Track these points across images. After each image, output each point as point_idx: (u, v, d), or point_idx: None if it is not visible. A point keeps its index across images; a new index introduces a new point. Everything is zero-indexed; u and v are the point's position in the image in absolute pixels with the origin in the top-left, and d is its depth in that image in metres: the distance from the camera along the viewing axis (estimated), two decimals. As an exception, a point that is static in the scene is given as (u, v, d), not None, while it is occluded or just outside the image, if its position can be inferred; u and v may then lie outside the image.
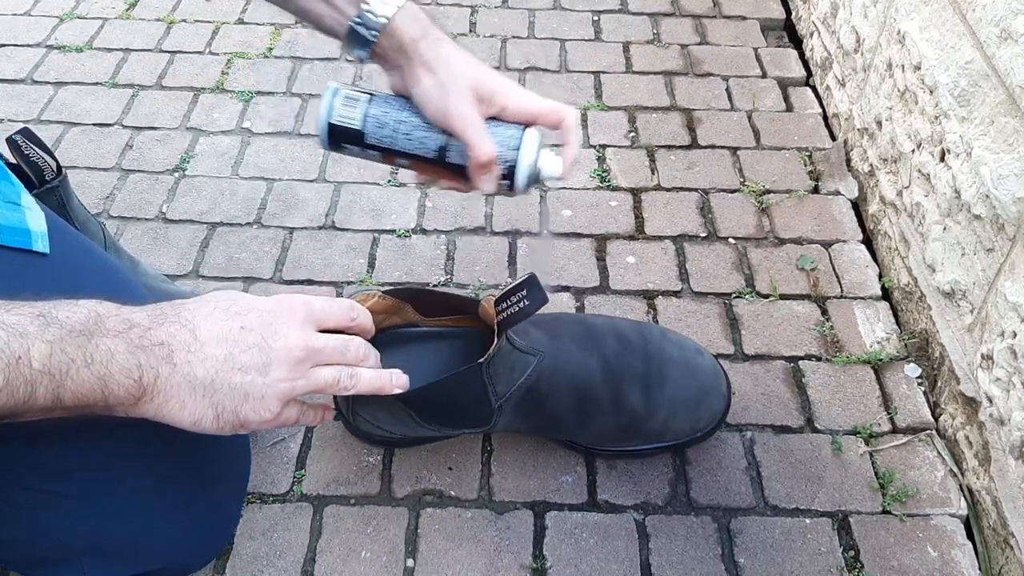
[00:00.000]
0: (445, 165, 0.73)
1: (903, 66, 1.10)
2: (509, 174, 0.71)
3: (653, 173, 1.29)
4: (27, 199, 0.73)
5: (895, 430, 0.98)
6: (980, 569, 0.87)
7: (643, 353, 0.90)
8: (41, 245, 0.71)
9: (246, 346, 0.58)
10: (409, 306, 0.88)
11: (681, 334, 0.95)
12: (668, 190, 1.27)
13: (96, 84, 1.41)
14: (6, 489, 0.66)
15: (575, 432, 0.90)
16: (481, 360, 0.78)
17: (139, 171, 1.27)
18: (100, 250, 0.82)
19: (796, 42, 1.57)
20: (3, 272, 0.66)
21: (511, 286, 0.75)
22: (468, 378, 0.79)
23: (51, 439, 0.64)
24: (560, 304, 1.10)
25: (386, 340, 0.84)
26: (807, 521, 0.89)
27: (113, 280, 0.76)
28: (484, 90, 0.72)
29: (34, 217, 0.72)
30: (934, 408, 1.00)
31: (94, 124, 1.34)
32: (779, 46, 1.56)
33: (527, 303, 0.74)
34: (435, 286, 1.11)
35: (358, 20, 0.73)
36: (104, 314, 0.55)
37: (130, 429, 0.62)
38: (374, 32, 0.73)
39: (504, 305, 0.76)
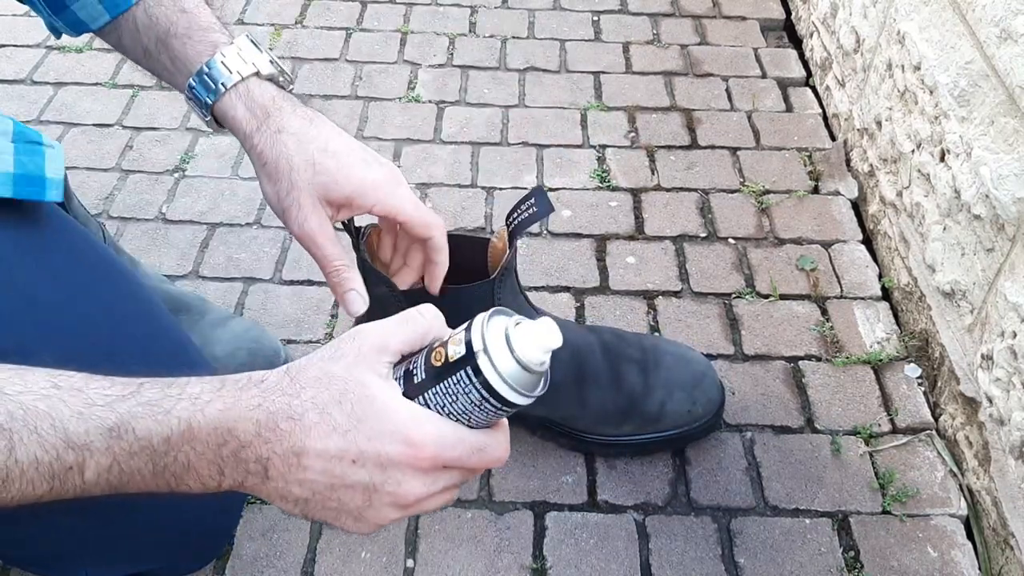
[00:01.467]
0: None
1: (903, 66, 1.10)
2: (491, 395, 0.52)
3: (653, 173, 1.29)
4: (50, 139, 0.69)
5: (895, 430, 0.98)
6: (980, 569, 0.87)
7: (638, 344, 0.93)
8: (54, 194, 0.66)
9: (352, 484, 0.50)
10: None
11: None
12: (668, 190, 1.27)
13: (96, 84, 1.41)
14: None
15: (575, 408, 0.90)
16: (493, 276, 0.79)
17: (139, 171, 1.27)
18: (95, 239, 0.79)
19: (796, 42, 1.57)
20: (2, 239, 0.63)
21: (519, 199, 0.76)
22: (480, 294, 0.79)
23: None
24: (560, 304, 1.10)
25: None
26: (807, 521, 0.89)
27: (106, 268, 0.73)
28: (336, 195, 0.65)
29: (53, 158, 0.67)
30: (934, 408, 1.00)
31: (94, 124, 1.34)
32: (779, 46, 1.56)
33: (535, 210, 0.75)
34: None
35: (189, 96, 0.69)
36: (198, 426, 0.47)
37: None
38: (205, 114, 0.69)
39: (514, 216, 0.77)
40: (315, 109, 0.71)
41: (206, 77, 0.68)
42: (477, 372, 0.50)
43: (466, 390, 0.51)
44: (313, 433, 0.48)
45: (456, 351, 0.51)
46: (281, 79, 0.70)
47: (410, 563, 0.85)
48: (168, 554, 0.78)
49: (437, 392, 0.52)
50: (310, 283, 1.12)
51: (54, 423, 0.44)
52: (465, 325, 0.53)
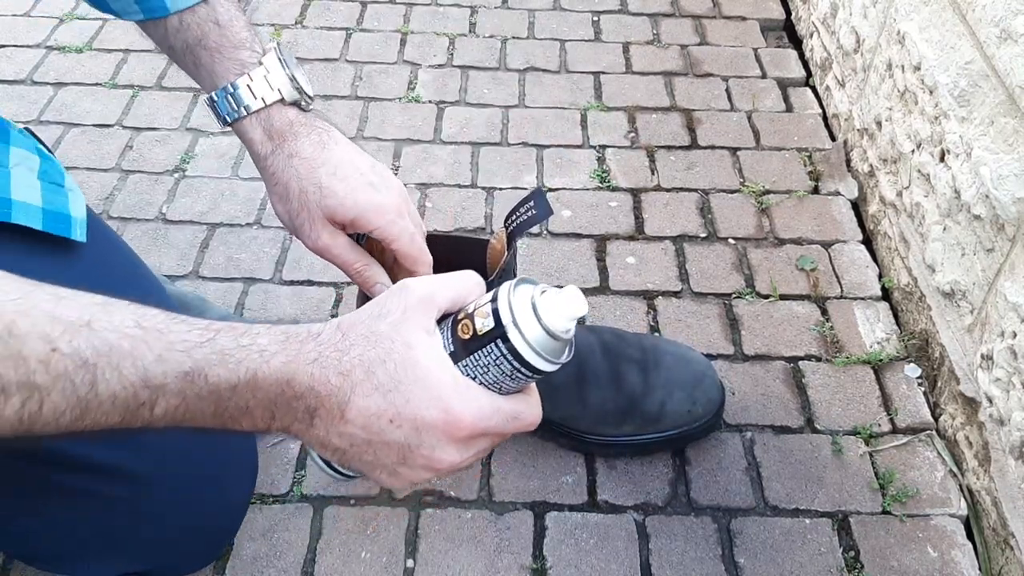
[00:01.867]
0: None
1: (903, 66, 1.10)
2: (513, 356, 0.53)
3: (653, 173, 1.29)
4: (70, 180, 0.72)
5: (895, 430, 0.98)
6: (980, 569, 0.87)
7: (638, 344, 0.93)
8: (79, 233, 0.70)
9: (388, 441, 0.53)
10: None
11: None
12: (668, 190, 1.27)
13: (96, 85, 1.41)
14: (23, 482, 0.66)
15: (575, 408, 0.90)
16: (492, 277, 0.79)
17: (139, 172, 1.27)
18: (124, 242, 0.82)
19: (796, 42, 1.57)
20: (37, 265, 0.66)
21: (519, 201, 0.77)
22: None
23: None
24: (560, 304, 1.10)
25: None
26: (807, 521, 0.89)
27: (136, 276, 0.76)
28: (341, 217, 0.69)
29: (76, 200, 0.71)
30: (934, 408, 1.00)
31: (94, 125, 1.34)
32: (779, 46, 1.56)
33: (535, 212, 0.75)
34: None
35: (208, 103, 0.70)
36: (263, 377, 0.50)
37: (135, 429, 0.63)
38: (221, 124, 0.71)
39: (513, 218, 0.77)
40: (329, 123, 0.72)
41: (230, 97, 0.69)
42: (507, 344, 0.51)
43: (497, 361, 0.52)
44: (358, 390, 0.51)
45: (484, 323, 0.52)
46: (303, 101, 0.71)
47: (410, 563, 0.85)
48: (169, 553, 0.78)
49: (468, 364, 0.53)
50: (310, 283, 1.12)
51: (135, 362, 0.46)
52: (491, 296, 0.53)
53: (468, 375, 0.53)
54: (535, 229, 1.20)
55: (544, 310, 0.52)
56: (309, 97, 0.71)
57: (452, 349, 0.53)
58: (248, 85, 0.69)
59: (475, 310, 0.53)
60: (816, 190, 1.27)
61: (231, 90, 0.69)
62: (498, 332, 0.51)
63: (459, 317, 0.53)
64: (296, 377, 0.50)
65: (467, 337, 0.52)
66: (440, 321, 0.54)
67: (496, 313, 0.52)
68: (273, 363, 0.49)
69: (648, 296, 1.12)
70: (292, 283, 1.12)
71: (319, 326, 0.52)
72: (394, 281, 0.76)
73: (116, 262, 0.76)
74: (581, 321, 0.53)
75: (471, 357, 0.53)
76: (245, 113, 0.69)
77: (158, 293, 0.80)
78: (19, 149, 0.70)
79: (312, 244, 0.70)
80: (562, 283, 1.12)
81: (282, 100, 0.69)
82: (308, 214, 0.69)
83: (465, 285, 0.55)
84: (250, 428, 0.51)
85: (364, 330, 0.51)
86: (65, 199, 0.70)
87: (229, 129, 0.72)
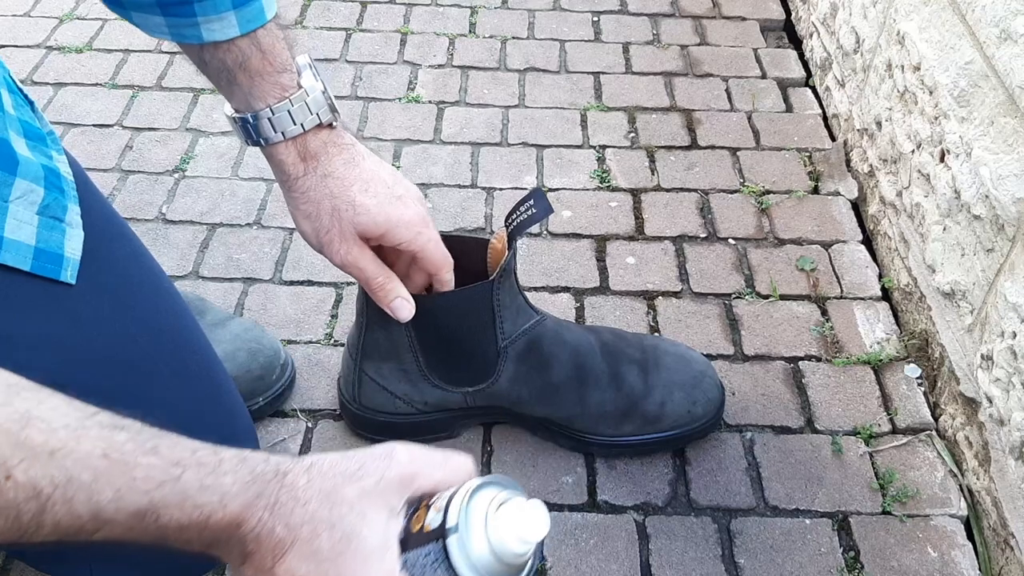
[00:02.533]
0: None
1: (903, 67, 1.11)
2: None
3: (653, 174, 1.29)
4: (72, 214, 0.70)
5: (895, 430, 0.98)
6: (980, 570, 0.87)
7: (638, 344, 0.93)
8: (69, 275, 0.68)
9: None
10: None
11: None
12: (668, 191, 1.27)
13: (96, 85, 1.41)
14: None
15: (575, 407, 0.90)
16: (492, 277, 0.80)
17: (139, 172, 1.27)
18: (130, 255, 0.78)
19: (796, 43, 1.57)
20: (26, 299, 0.65)
21: (518, 201, 0.77)
22: (479, 296, 0.81)
23: None
24: (560, 305, 1.10)
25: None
26: (807, 522, 0.89)
27: (127, 308, 0.73)
28: (373, 233, 0.70)
29: (73, 238, 0.69)
30: (934, 408, 1.00)
31: (94, 125, 1.34)
32: (779, 47, 1.56)
33: (534, 211, 0.76)
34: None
35: (238, 124, 0.69)
36: (215, 521, 0.48)
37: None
38: (249, 144, 0.70)
39: (513, 217, 0.78)
40: (352, 136, 0.72)
41: (267, 122, 0.68)
42: (446, 552, 0.45)
43: (433, 566, 0.46)
44: (297, 549, 0.49)
45: (433, 520, 0.46)
46: (335, 120, 0.71)
47: (410, 563, 0.85)
48: (170, 556, 0.78)
49: (408, 560, 0.47)
50: (310, 283, 1.12)
51: (91, 497, 0.45)
52: (453, 490, 0.48)
53: (406, 571, 0.47)
54: (535, 229, 1.20)
55: (496, 526, 0.45)
56: (338, 114, 0.71)
57: (403, 536, 0.47)
58: (289, 111, 0.68)
59: (435, 501, 0.47)
60: (816, 190, 1.27)
61: (270, 115, 0.67)
62: (439, 533, 0.45)
63: (423, 503, 0.48)
64: (247, 522, 0.48)
65: (416, 529, 0.47)
66: (412, 502, 0.49)
67: (446, 510, 0.46)
68: (230, 508, 0.48)
69: (648, 296, 1.12)
70: (292, 283, 1.12)
71: (289, 464, 0.50)
72: (408, 283, 0.77)
73: (109, 289, 0.73)
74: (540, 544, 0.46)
75: (413, 552, 0.47)
76: (282, 138, 0.68)
77: (157, 316, 0.76)
78: (24, 181, 0.67)
79: (341, 259, 0.71)
80: (562, 284, 1.12)
81: (319, 125, 0.69)
82: (340, 231, 0.70)
83: (455, 473, 0.51)
84: (178, 548, 0.51)
85: (330, 485, 0.49)
86: (61, 237, 0.68)
87: (229, 130, 0.71)
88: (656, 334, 1.07)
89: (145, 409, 0.67)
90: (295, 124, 0.68)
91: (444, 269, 0.76)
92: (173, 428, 0.68)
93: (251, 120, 0.68)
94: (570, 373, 0.89)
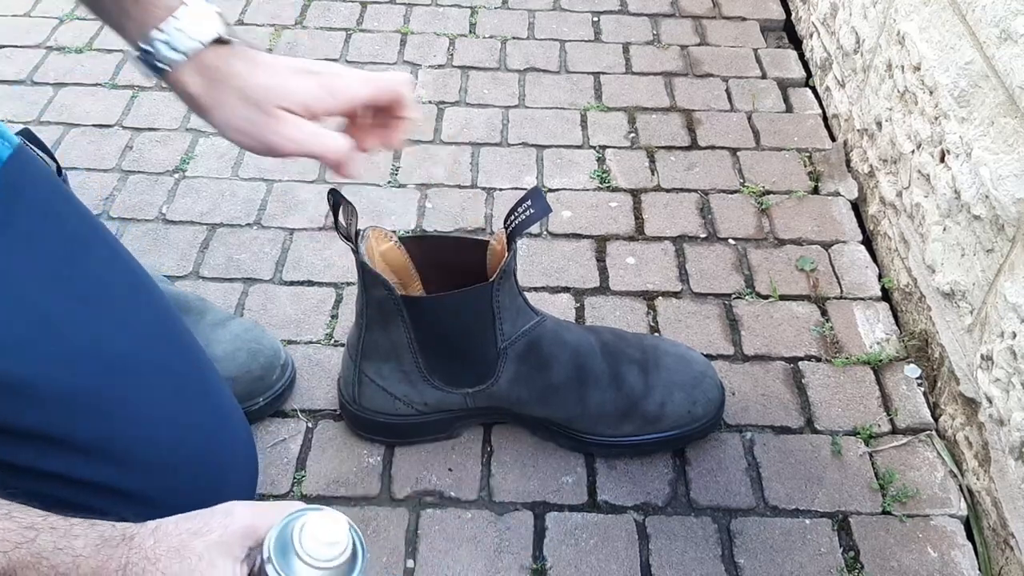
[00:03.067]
0: None
1: (903, 67, 1.11)
2: None
3: (653, 174, 1.29)
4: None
5: (895, 431, 0.98)
6: (980, 570, 0.87)
7: (638, 344, 0.94)
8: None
9: None
10: (417, 281, 0.90)
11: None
12: (668, 191, 1.27)
13: (96, 85, 1.41)
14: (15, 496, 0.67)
15: (575, 408, 0.90)
16: (492, 279, 0.80)
17: (139, 172, 1.27)
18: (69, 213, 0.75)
19: (796, 43, 1.57)
20: None
21: (517, 201, 0.77)
22: (478, 297, 0.81)
23: (63, 448, 0.65)
24: (560, 305, 1.10)
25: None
26: (807, 522, 0.89)
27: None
28: (290, 98, 0.65)
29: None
30: (934, 409, 1.00)
31: (94, 125, 1.34)
32: (779, 47, 1.56)
33: (533, 211, 0.76)
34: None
35: (143, 54, 0.65)
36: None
37: (137, 437, 0.63)
38: (155, 74, 0.66)
39: (512, 218, 0.78)
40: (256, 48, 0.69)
41: (163, 44, 0.64)
42: None
43: None
44: None
45: (258, 560, 0.51)
46: (230, 36, 0.67)
47: (410, 563, 0.85)
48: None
49: None
50: (310, 283, 1.12)
51: None
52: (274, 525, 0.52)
53: None
54: (535, 229, 1.20)
55: (303, 542, 0.49)
56: (231, 28, 0.67)
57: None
58: (181, 29, 0.64)
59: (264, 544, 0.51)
60: (816, 190, 1.27)
61: (166, 37, 0.64)
62: (261, 566, 0.50)
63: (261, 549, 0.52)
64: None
65: (252, 570, 0.52)
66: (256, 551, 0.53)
67: (261, 547, 0.50)
68: (83, 568, 0.51)
69: (648, 296, 1.12)
70: (292, 283, 1.12)
71: (135, 529, 0.53)
72: (386, 135, 0.72)
73: (81, 291, 0.72)
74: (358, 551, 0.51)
75: None
76: (184, 58, 0.64)
77: (137, 315, 0.75)
78: None
79: (282, 140, 0.65)
80: (562, 284, 1.12)
81: (218, 40, 0.65)
82: (264, 115, 0.64)
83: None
84: None
85: (177, 543, 0.52)
86: None
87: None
88: (656, 334, 1.07)
89: (129, 407, 0.68)
90: (192, 40, 0.64)
91: (401, 84, 0.69)
92: (159, 425, 0.69)
93: (151, 49, 0.65)
94: (570, 373, 0.89)
